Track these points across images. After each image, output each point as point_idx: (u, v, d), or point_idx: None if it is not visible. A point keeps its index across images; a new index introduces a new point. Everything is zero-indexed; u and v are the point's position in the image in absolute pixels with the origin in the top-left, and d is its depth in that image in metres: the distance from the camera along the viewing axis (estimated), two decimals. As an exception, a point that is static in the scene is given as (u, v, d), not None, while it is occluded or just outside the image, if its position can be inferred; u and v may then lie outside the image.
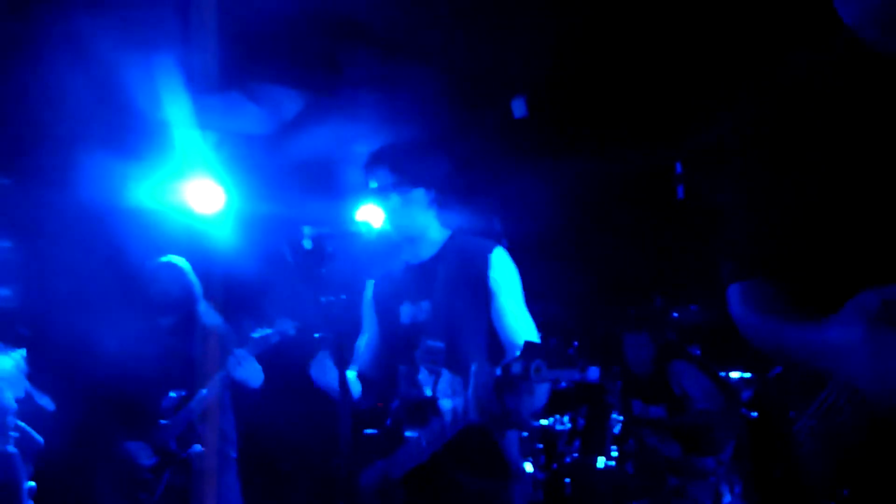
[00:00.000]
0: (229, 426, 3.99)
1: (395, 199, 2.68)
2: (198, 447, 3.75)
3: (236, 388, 3.78)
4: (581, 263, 5.86)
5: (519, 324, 2.58)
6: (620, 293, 6.05)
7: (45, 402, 4.05)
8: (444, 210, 2.78)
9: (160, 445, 3.78)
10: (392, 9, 4.03)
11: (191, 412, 3.77)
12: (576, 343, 2.21)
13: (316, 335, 3.50)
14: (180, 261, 4.11)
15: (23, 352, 3.97)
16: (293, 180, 4.85)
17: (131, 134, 4.30)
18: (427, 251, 2.76)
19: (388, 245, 2.83)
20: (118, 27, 3.58)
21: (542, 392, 2.31)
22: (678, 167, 5.83)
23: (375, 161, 2.73)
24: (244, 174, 4.75)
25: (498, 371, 2.12)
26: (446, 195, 2.76)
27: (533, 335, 2.54)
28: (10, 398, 3.72)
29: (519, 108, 5.18)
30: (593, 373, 2.01)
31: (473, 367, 2.25)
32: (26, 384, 3.91)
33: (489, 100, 5.15)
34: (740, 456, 4.61)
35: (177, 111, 4.12)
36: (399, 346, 2.75)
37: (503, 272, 2.63)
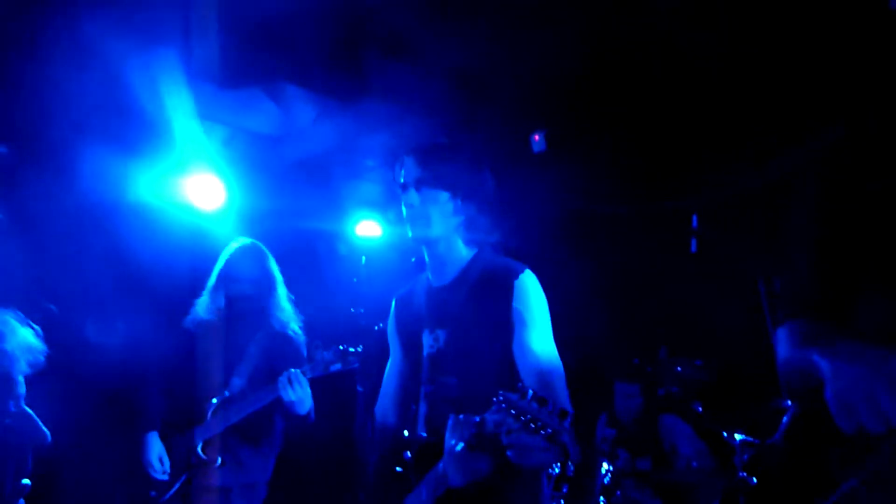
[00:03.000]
0: (260, 455, 3.60)
1: (414, 196, 2.39)
2: (218, 461, 3.45)
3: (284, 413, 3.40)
4: (589, 308, 5.75)
5: (540, 361, 2.22)
6: (626, 340, 5.94)
7: None
8: (472, 227, 2.44)
9: (188, 447, 3.49)
10: (426, 26, 3.97)
11: (225, 420, 3.45)
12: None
13: (339, 347, 3.31)
14: (260, 246, 3.83)
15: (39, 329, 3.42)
16: (296, 184, 4.76)
17: (133, 128, 4.19)
18: (450, 272, 2.46)
19: (412, 262, 2.60)
20: (126, 19, 3.49)
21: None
22: (694, 220, 5.75)
23: (406, 152, 2.45)
24: (248, 173, 4.66)
25: (472, 427, 1.87)
26: (478, 211, 2.43)
27: (556, 374, 2.22)
28: (23, 366, 3.19)
29: (538, 142, 5.11)
30: (568, 440, 1.68)
31: (450, 421, 1.98)
32: (41, 361, 3.32)
33: (510, 130, 5.09)
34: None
35: (180, 105, 4.01)
36: (419, 380, 2.46)
37: (528, 301, 2.29)
